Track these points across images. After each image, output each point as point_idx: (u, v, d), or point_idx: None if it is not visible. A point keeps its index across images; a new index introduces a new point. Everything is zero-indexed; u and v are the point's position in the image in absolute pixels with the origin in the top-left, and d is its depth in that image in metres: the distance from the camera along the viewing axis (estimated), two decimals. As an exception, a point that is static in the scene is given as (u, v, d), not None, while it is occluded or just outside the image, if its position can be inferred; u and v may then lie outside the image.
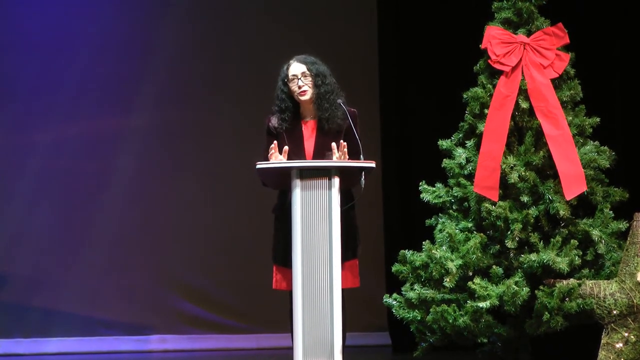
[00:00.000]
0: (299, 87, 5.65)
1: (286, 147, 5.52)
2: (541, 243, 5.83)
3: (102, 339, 7.96)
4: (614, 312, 5.71)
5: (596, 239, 5.86)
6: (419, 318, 5.93)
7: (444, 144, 6.14)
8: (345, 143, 5.51)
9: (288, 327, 5.48)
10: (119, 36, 8.04)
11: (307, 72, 5.66)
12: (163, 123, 8.08)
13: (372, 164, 5.43)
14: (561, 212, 5.84)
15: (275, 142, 5.52)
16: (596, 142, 6.07)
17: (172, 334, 8.02)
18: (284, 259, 5.56)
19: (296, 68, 5.68)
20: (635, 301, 5.69)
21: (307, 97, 5.66)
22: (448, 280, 5.80)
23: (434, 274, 5.83)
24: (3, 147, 7.96)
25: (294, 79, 5.66)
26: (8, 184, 7.96)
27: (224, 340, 8.03)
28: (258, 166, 5.42)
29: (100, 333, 7.96)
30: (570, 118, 6.02)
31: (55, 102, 7.98)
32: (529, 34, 6.06)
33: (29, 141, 7.97)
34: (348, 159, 5.51)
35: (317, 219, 5.35)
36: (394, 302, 6.04)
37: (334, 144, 5.51)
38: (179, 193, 8.07)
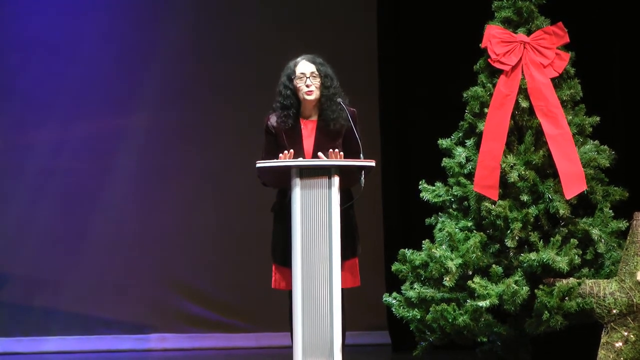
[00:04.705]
0: (307, 87, 5.63)
1: (292, 151, 5.52)
2: (541, 242, 5.83)
3: (101, 338, 7.97)
4: (614, 311, 5.71)
5: (596, 238, 5.86)
6: (419, 317, 5.92)
7: (443, 143, 6.14)
8: (337, 150, 5.52)
9: (288, 326, 5.49)
10: (119, 36, 8.05)
11: (317, 72, 5.64)
12: (163, 123, 8.08)
13: (372, 163, 5.43)
14: (561, 211, 5.84)
15: (291, 151, 5.51)
16: (596, 141, 6.07)
17: (172, 332, 8.03)
18: (283, 258, 5.56)
19: (305, 67, 5.66)
20: (635, 300, 5.69)
21: (312, 97, 5.65)
22: (448, 279, 5.79)
23: (433, 273, 5.83)
24: (3, 147, 7.96)
25: (302, 77, 5.64)
26: (8, 183, 7.97)
27: (224, 339, 8.04)
28: (258, 165, 5.43)
29: (99, 332, 7.97)
30: (570, 117, 6.02)
31: (55, 101, 7.99)
32: (529, 33, 6.06)
33: (29, 141, 7.97)
34: (348, 158, 5.52)
35: (316, 218, 5.35)
36: (394, 301, 6.04)
37: (331, 151, 5.52)
38: (178, 192, 8.07)
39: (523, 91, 5.97)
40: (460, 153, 6.06)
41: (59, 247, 7.95)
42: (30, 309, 7.92)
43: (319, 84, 5.64)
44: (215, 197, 8.10)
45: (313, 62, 5.66)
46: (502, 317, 5.92)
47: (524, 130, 6.00)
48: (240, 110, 7.99)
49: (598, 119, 6.10)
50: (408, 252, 5.98)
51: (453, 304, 5.79)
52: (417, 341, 6.07)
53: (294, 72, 5.65)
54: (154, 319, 8.01)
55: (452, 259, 5.81)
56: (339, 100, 5.64)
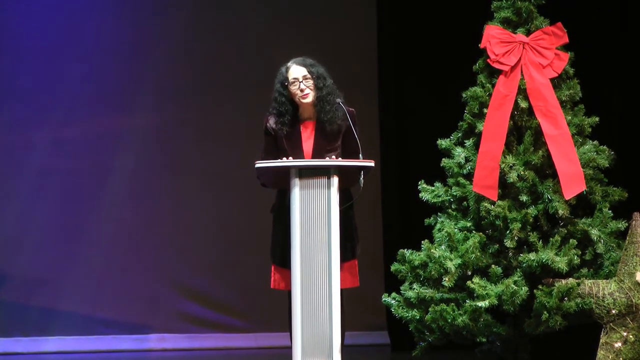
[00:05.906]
0: (301, 90, 5.62)
1: (290, 158, 5.51)
2: (540, 242, 5.83)
3: (101, 338, 7.96)
4: (613, 311, 5.71)
5: (595, 238, 5.86)
6: (418, 317, 5.93)
7: (443, 143, 6.14)
8: (333, 157, 5.52)
9: (287, 326, 5.48)
10: (118, 35, 8.04)
11: (308, 74, 5.63)
12: (163, 123, 8.08)
13: (371, 163, 5.43)
14: (560, 212, 5.84)
15: (290, 158, 5.51)
16: (595, 142, 6.07)
17: (171, 332, 8.02)
18: (283, 259, 5.56)
19: (297, 71, 5.64)
20: (634, 301, 5.69)
21: (309, 99, 5.63)
22: (447, 279, 5.80)
23: (432, 273, 5.83)
24: (3, 147, 7.96)
25: (294, 82, 5.62)
26: (8, 183, 7.96)
27: (223, 339, 8.03)
28: (257, 165, 5.42)
29: (99, 332, 7.96)
30: (570, 117, 6.02)
31: (55, 101, 7.98)
32: (528, 33, 6.06)
33: (29, 140, 7.97)
34: (347, 159, 5.52)
35: (316, 218, 5.35)
36: (393, 302, 6.04)
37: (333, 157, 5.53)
38: (178, 192, 8.06)
39: (522, 91, 5.97)
40: (460, 153, 6.06)
41: (58, 247, 7.94)
42: (30, 309, 7.91)
43: (313, 85, 5.63)
44: (215, 196, 8.09)
45: (304, 65, 5.65)
46: (501, 318, 5.92)
47: (523, 130, 6.00)
48: (240, 110, 7.99)
49: (597, 119, 6.10)
50: (407, 253, 5.99)
51: (452, 304, 5.79)
52: (416, 341, 6.07)
53: (287, 78, 5.64)
54: (153, 319, 8.00)
55: (451, 259, 5.81)
56: (337, 100, 5.63)
